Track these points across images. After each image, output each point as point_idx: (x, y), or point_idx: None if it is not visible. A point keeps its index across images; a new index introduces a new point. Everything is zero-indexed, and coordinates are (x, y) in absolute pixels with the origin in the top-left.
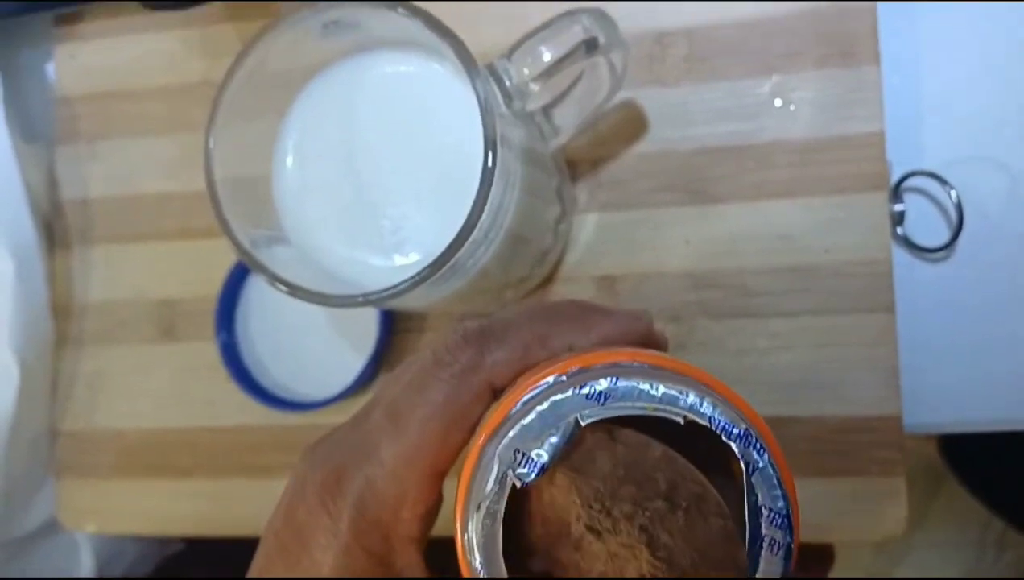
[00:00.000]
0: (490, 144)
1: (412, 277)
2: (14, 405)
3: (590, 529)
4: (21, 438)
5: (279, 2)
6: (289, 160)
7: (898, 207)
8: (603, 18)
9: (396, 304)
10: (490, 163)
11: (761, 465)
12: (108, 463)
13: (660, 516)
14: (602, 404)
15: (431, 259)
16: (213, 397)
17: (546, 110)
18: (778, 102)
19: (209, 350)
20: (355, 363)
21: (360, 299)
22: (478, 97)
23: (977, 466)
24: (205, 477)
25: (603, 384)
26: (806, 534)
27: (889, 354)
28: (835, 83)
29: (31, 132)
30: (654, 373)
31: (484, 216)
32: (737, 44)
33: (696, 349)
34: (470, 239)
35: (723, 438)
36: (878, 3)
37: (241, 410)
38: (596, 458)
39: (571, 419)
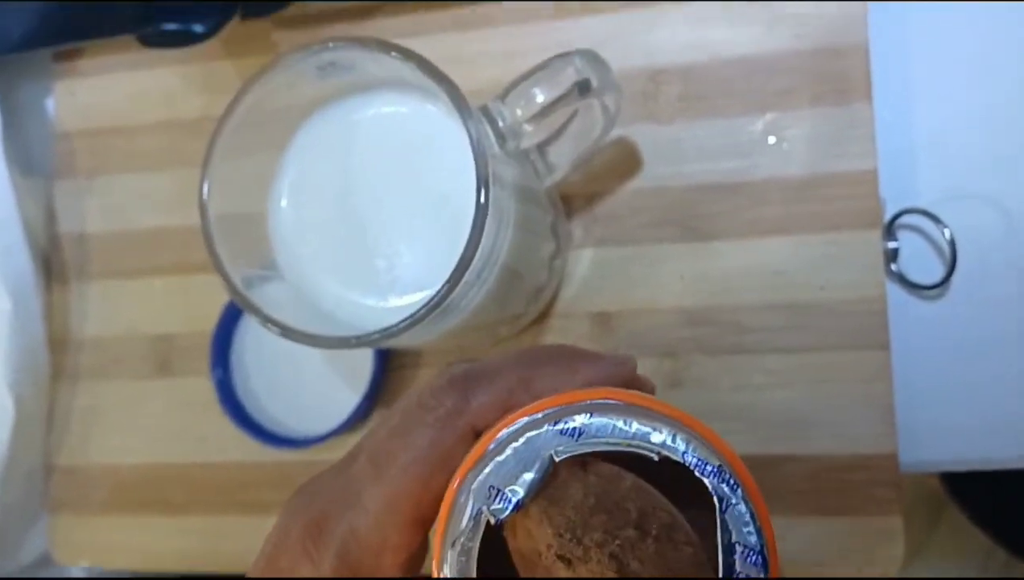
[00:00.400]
0: (483, 184)
1: (407, 318)
2: (9, 439)
3: (561, 558)
4: (15, 473)
5: (278, 39)
6: (284, 199)
7: (892, 244)
8: (596, 60)
9: (390, 344)
10: (482, 202)
11: (735, 501)
12: (102, 498)
13: (630, 544)
14: (576, 440)
15: (425, 299)
16: (207, 433)
17: (540, 148)
18: (771, 140)
19: (204, 385)
20: (350, 399)
21: (353, 341)
22: (471, 138)
23: (980, 496)
24: (199, 513)
25: (577, 421)
26: (802, 572)
27: (885, 392)
28: (828, 121)
29: (29, 167)
30: (629, 410)
31: (477, 255)
32: (731, 82)
33: (691, 385)
34: (463, 279)
35: (696, 474)
36: (871, 41)
37: (236, 446)
38: (568, 488)
39: (546, 455)
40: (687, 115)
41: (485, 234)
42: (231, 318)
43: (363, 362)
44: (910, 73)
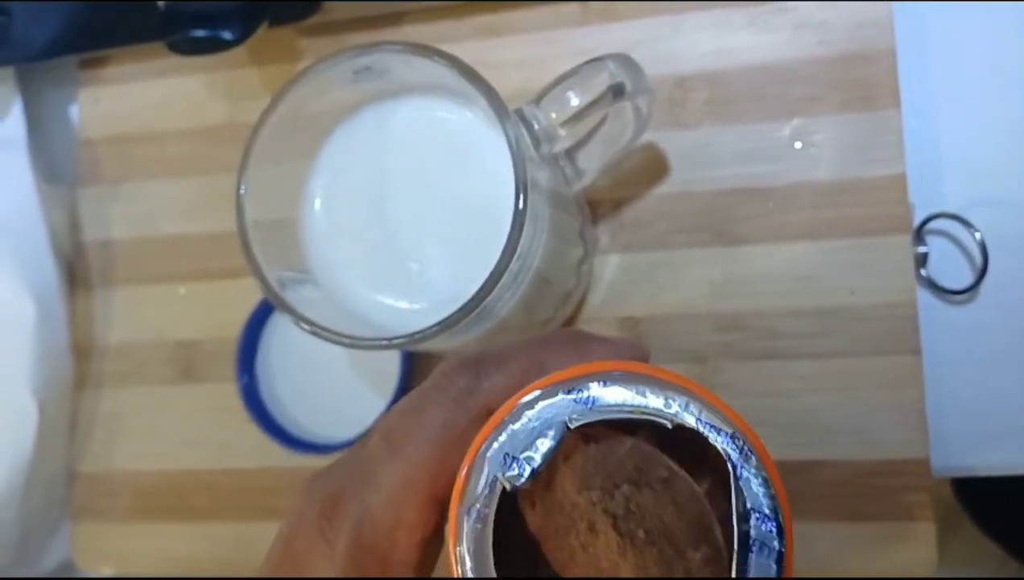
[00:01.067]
0: (521, 188)
1: (440, 322)
2: (32, 446)
3: (560, 522)
4: (38, 479)
5: (303, 47)
6: (317, 202)
7: (921, 249)
8: (630, 64)
9: (420, 347)
10: (521, 207)
11: (748, 468)
12: (125, 505)
13: (624, 497)
14: (590, 408)
15: (456, 302)
16: (232, 439)
17: (569, 153)
18: (798, 145)
19: (228, 391)
20: (377, 404)
21: (384, 343)
22: (509, 142)
23: (990, 507)
24: (223, 520)
25: (592, 389)
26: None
27: (916, 397)
28: (855, 127)
29: (54, 174)
30: (643, 380)
31: (514, 260)
32: (757, 88)
33: (721, 390)
34: (500, 283)
35: (709, 440)
36: (897, 47)
37: (260, 452)
38: (568, 457)
39: (561, 423)
40: (714, 120)
41: (521, 238)
42: (257, 324)
43: (390, 367)
44: (936, 78)
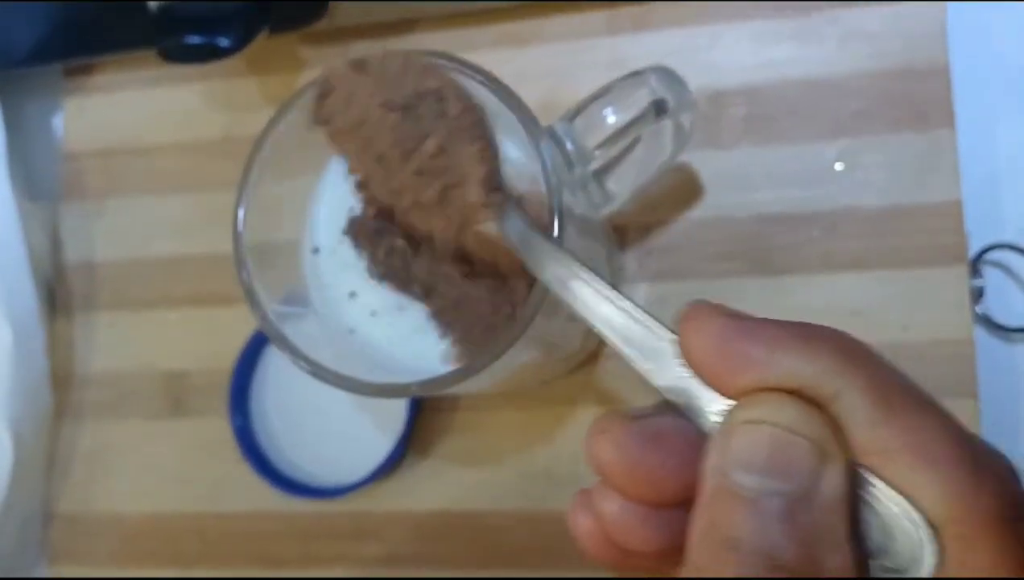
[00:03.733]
0: (556, 216)
1: (461, 369)
2: (6, 483)
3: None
4: (12, 519)
5: (305, 56)
6: (320, 228)
7: (977, 282)
8: (673, 78)
9: (436, 393)
10: (555, 235)
11: None
12: (107, 549)
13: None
14: None
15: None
16: (224, 479)
17: (598, 175)
18: (844, 167)
19: (221, 426)
20: (382, 445)
21: (393, 390)
22: (544, 165)
23: None
24: (214, 567)
25: None
26: None
27: None
28: (907, 148)
29: (35, 189)
30: None
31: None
32: (800, 105)
33: None
34: (533, 321)
35: None
36: (952, 62)
37: (255, 494)
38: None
39: None
40: (752, 140)
41: None
42: (250, 357)
43: (396, 405)
44: (992, 96)
